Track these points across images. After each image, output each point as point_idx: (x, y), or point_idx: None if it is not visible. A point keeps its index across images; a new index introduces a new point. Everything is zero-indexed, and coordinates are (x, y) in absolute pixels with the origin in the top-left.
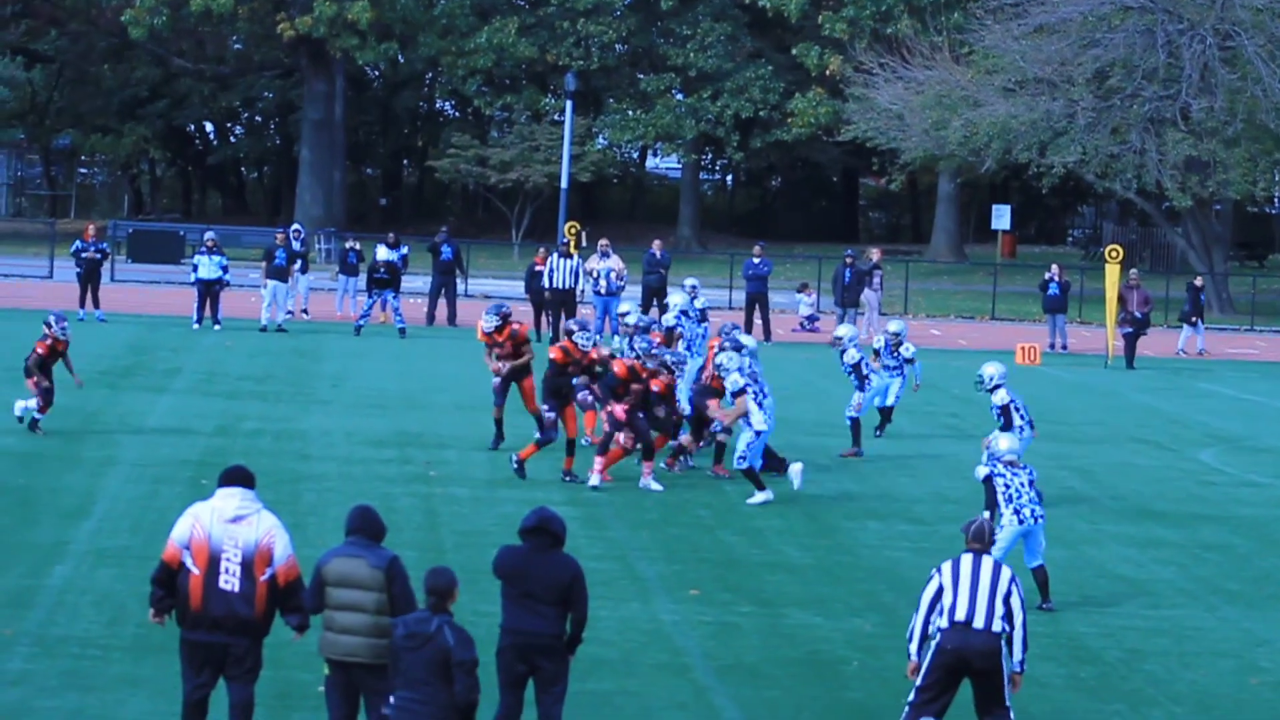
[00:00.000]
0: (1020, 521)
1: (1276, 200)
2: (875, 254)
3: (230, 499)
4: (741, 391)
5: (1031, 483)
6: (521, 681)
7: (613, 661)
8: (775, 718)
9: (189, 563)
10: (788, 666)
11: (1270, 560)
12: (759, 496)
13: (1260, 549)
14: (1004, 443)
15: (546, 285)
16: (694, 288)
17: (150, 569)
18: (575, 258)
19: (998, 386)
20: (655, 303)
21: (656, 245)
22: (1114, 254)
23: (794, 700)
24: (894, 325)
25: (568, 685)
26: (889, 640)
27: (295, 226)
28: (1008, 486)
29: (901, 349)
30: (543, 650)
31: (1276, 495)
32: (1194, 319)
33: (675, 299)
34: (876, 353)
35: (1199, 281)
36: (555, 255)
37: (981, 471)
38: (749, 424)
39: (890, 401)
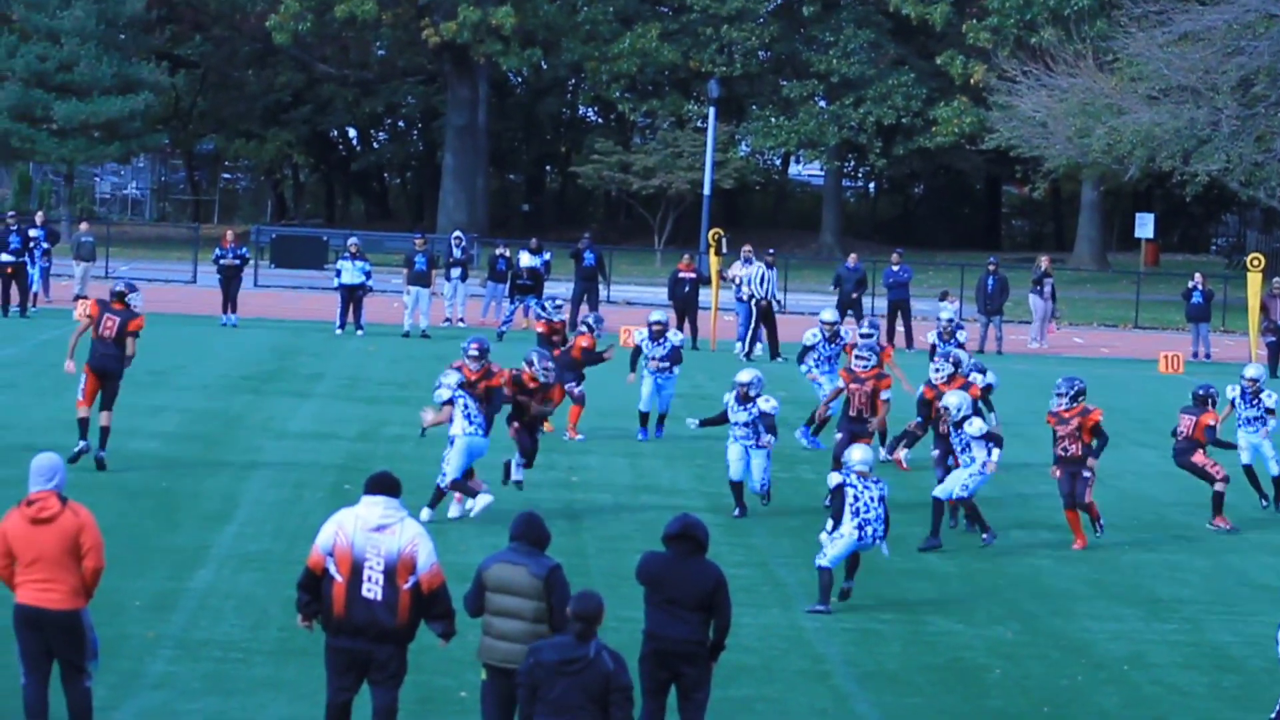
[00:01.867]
0: (860, 538)
1: None
2: (1044, 261)
3: (374, 507)
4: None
5: (881, 499)
6: (664, 688)
7: (754, 668)
8: None
9: (332, 570)
10: (929, 673)
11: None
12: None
13: None
14: (857, 454)
15: (761, 295)
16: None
17: (292, 574)
18: (775, 269)
19: (967, 417)
20: (850, 314)
21: (853, 258)
22: (1256, 262)
23: (935, 707)
24: (1251, 370)
25: (710, 692)
26: (1031, 648)
27: (457, 234)
28: (856, 499)
29: (1263, 396)
30: (685, 656)
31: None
32: None
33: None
34: (1231, 403)
35: None
36: (759, 264)
37: (834, 479)
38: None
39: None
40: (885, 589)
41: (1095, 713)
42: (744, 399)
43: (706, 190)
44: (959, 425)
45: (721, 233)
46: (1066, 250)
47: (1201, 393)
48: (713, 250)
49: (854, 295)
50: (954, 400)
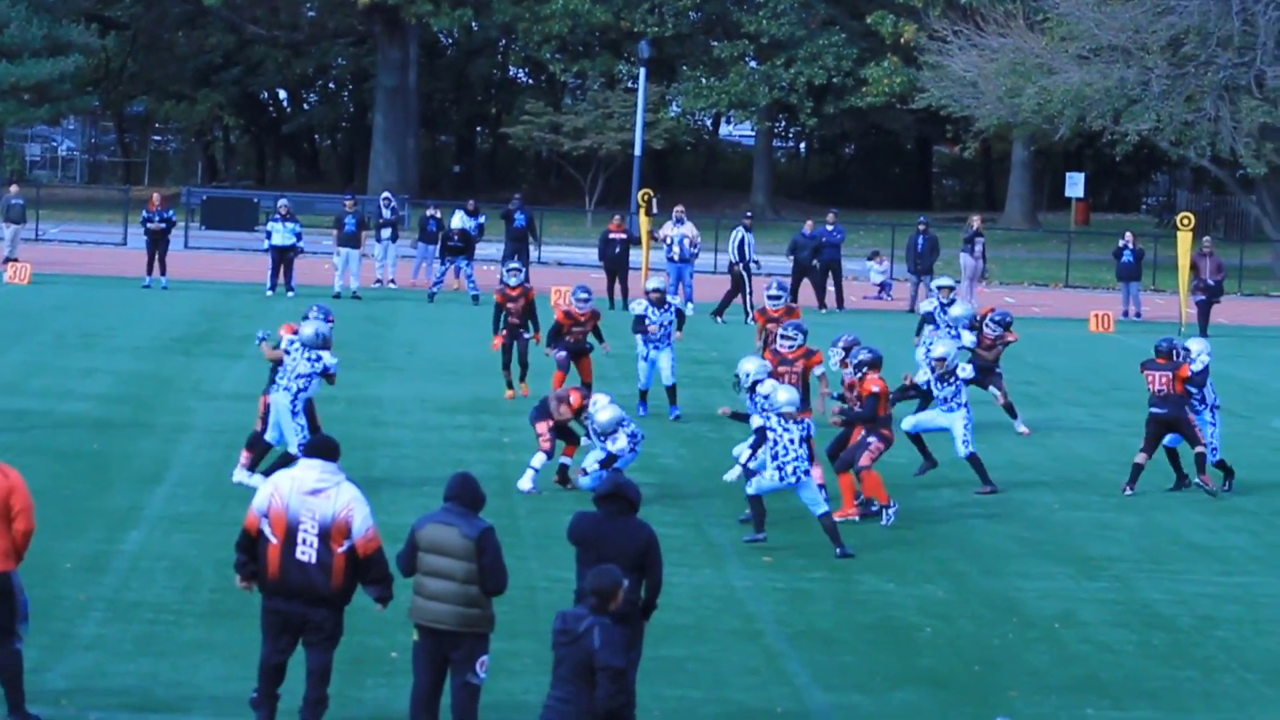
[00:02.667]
0: (781, 478)
1: None
2: (976, 221)
3: (311, 470)
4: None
5: (804, 439)
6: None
7: (686, 628)
8: (847, 683)
9: (267, 531)
10: (860, 632)
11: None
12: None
13: None
14: (783, 395)
15: (736, 258)
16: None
17: (224, 535)
18: (752, 231)
19: (757, 382)
20: (806, 282)
21: (809, 225)
22: (1187, 221)
23: (866, 666)
24: None
25: (642, 651)
26: (961, 607)
27: (386, 195)
28: (776, 442)
29: None
30: (618, 616)
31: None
32: None
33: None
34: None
35: None
36: (743, 229)
37: (756, 422)
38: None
39: None
40: (817, 548)
41: (1025, 671)
42: (659, 304)
43: (637, 151)
44: (949, 375)
45: (651, 193)
46: (997, 210)
47: (1165, 346)
48: (643, 211)
49: (812, 263)
50: (947, 348)
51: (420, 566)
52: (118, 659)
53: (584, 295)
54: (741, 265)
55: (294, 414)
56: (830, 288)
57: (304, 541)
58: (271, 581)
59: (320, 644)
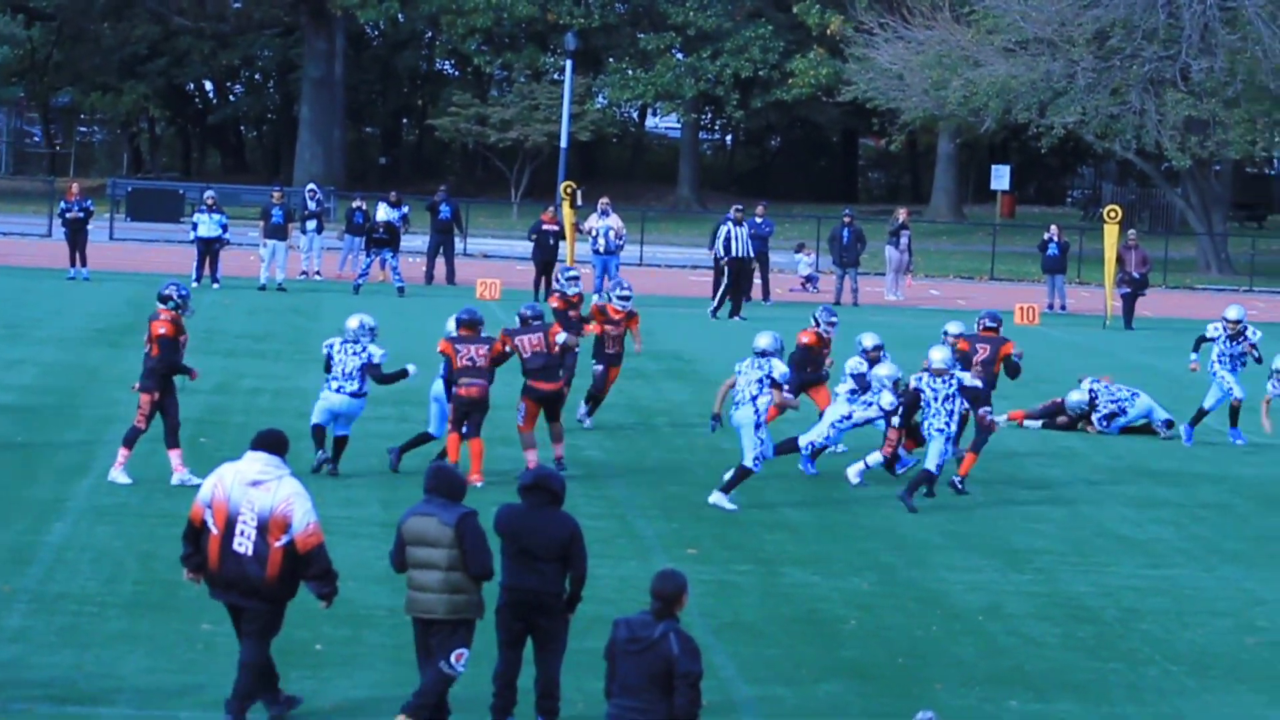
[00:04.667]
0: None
1: (1276, 161)
2: (902, 214)
3: (254, 463)
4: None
5: (950, 396)
6: (520, 639)
7: (610, 620)
8: (772, 676)
9: (210, 522)
10: (785, 625)
11: (1268, 520)
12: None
13: (1258, 508)
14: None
15: (724, 254)
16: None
17: (148, 527)
18: (746, 224)
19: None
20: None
21: (759, 211)
22: (1113, 214)
23: (791, 658)
24: (1233, 312)
25: (566, 643)
26: (887, 599)
27: (311, 186)
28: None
29: (1248, 333)
30: (541, 608)
31: (1275, 455)
32: None
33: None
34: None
35: None
36: (730, 222)
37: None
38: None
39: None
40: (742, 540)
41: (951, 663)
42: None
43: (563, 143)
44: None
45: (575, 185)
46: (923, 202)
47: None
48: (567, 203)
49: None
50: (942, 355)
51: (409, 560)
52: (42, 651)
53: (572, 275)
54: (727, 259)
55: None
56: (757, 280)
57: (242, 533)
58: (211, 572)
59: (251, 635)
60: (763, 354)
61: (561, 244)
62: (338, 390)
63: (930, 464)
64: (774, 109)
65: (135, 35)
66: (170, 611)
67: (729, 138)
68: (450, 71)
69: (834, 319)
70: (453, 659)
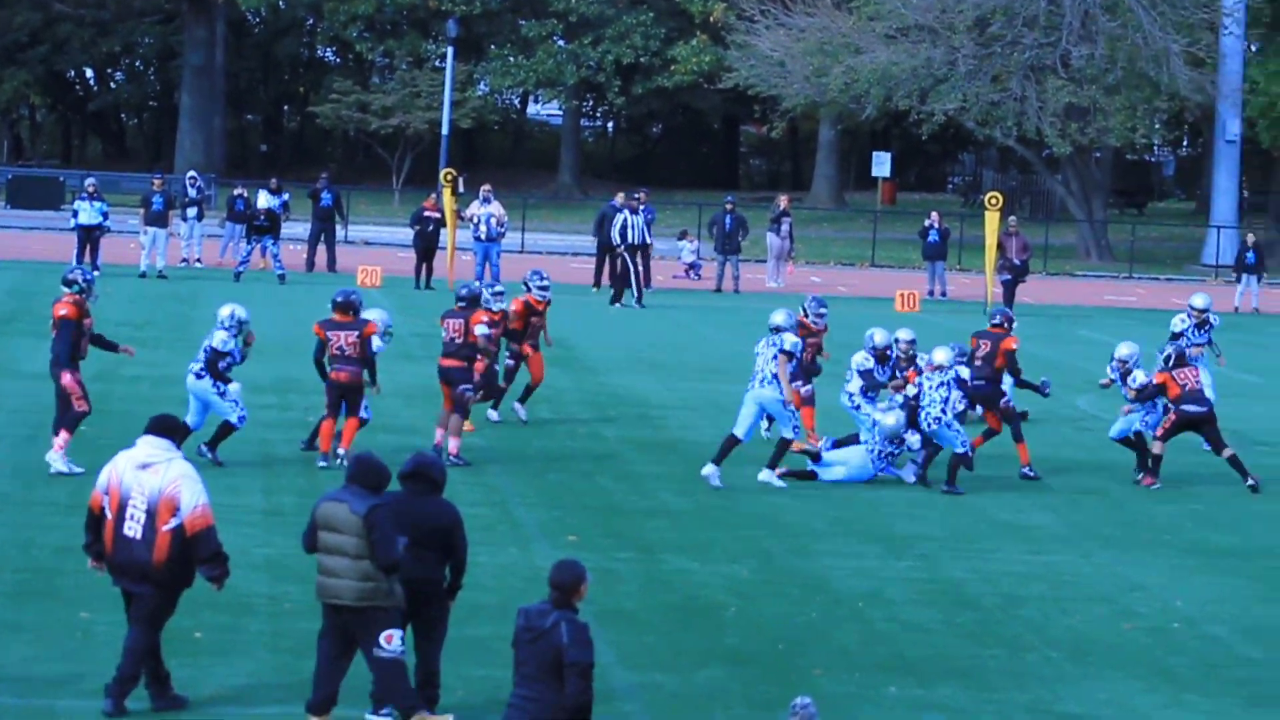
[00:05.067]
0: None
1: (1156, 148)
2: (783, 200)
3: (145, 446)
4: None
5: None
6: (402, 627)
7: (491, 607)
8: (653, 663)
9: (106, 508)
10: (665, 612)
11: (1144, 506)
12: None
13: (1135, 495)
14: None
15: (619, 240)
16: None
17: (29, 516)
18: (641, 212)
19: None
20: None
21: (640, 199)
22: (994, 201)
23: (671, 645)
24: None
25: (447, 630)
26: (768, 586)
27: (191, 174)
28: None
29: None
30: (422, 595)
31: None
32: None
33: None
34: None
35: (1252, 238)
36: (626, 210)
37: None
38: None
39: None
40: (623, 528)
41: (832, 649)
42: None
43: (444, 130)
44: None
45: (455, 173)
46: (804, 189)
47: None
48: (447, 190)
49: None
50: (944, 355)
51: (319, 544)
52: None
53: (543, 283)
54: (624, 247)
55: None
56: (639, 267)
57: (131, 517)
58: (108, 558)
59: (137, 621)
60: (775, 330)
61: (443, 231)
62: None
63: (957, 448)
64: (655, 96)
65: (16, 23)
66: (53, 600)
67: (610, 125)
68: (332, 59)
69: (823, 309)
70: (382, 641)
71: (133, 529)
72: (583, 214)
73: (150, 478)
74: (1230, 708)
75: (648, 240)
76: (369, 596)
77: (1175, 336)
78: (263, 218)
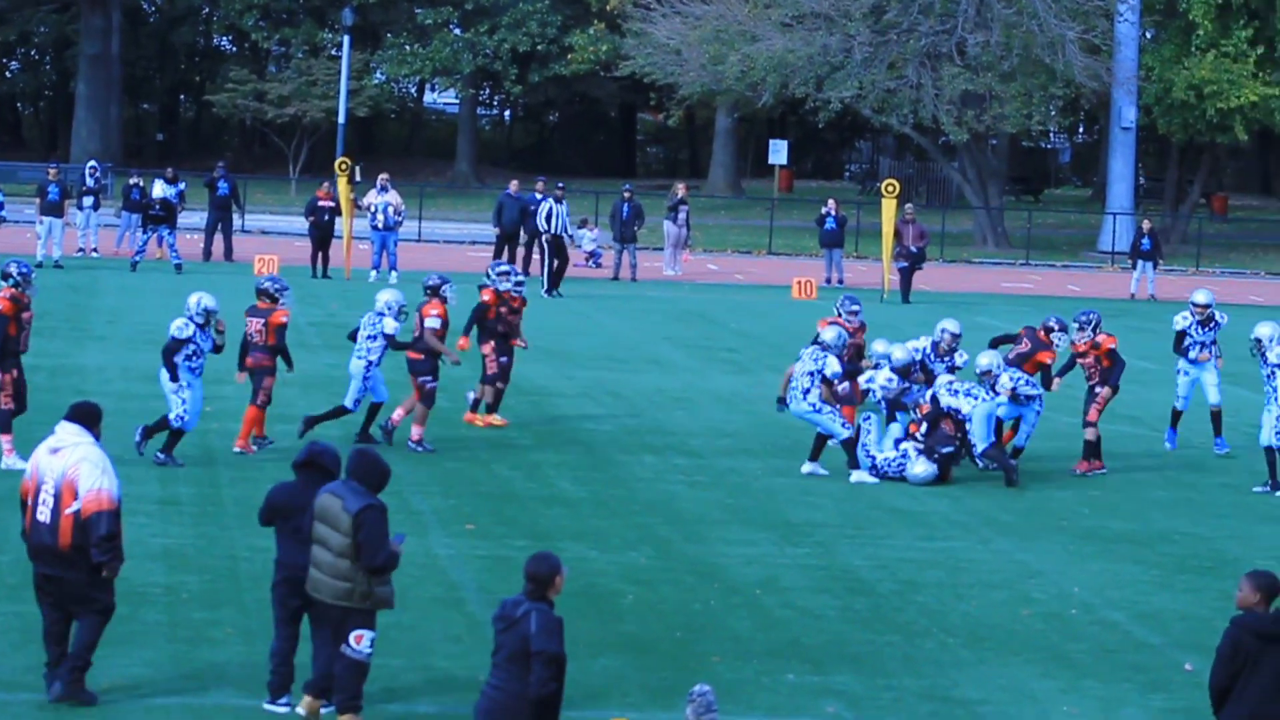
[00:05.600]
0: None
1: (1052, 135)
2: (680, 188)
3: (59, 431)
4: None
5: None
6: (296, 616)
7: None
8: None
9: (30, 494)
10: (562, 600)
11: (1041, 492)
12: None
13: (1030, 481)
14: (983, 359)
15: (544, 229)
16: None
17: None
18: (565, 202)
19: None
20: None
21: (539, 188)
22: (890, 188)
23: (569, 634)
24: (1201, 296)
25: None
26: (664, 573)
27: (91, 163)
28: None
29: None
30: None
31: (1042, 428)
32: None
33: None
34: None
35: (1147, 224)
36: (552, 200)
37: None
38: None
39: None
40: (519, 516)
41: (728, 636)
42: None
43: (341, 119)
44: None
45: (349, 162)
46: (701, 177)
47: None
48: (343, 179)
49: (514, 228)
50: (989, 359)
51: (313, 535)
52: None
53: (502, 270)
54: (548, 236)
55: (365, 377)
56: (536, 255)
57: (43, 501)
58: (28, 544)
59: (81, 614)
60: (823, 347)
61: (338, 220)
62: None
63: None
64: (552, 84)
65: None
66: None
67: (507, 113)
68: (228, 48)
69: (856, 307)
70: (352, 641)
71: (43, 513)
72: (480, 202)
73: (56, 462)
74: (1127, 692)
75: (567, 231)
76: (344, 596)
77: (1179, 336)
78: (158, 207)
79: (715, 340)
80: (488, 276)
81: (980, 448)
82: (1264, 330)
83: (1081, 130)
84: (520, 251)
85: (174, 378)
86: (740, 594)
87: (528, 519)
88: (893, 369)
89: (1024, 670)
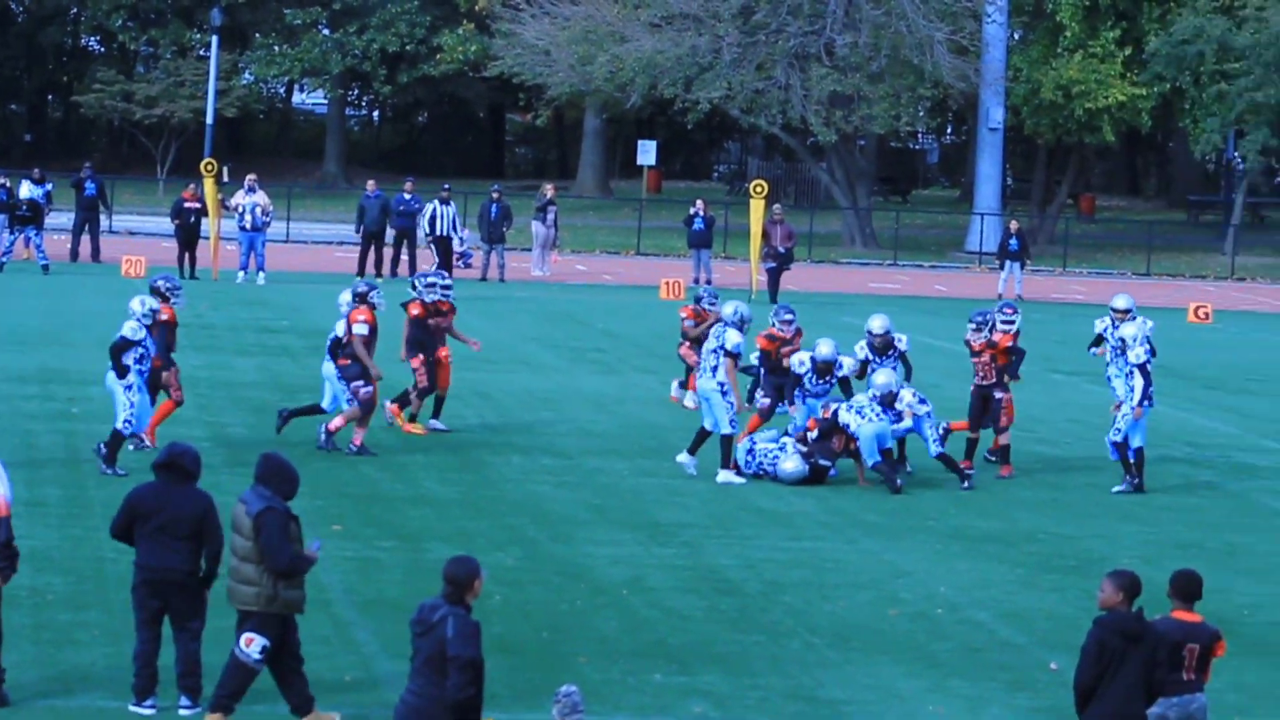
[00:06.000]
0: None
1: (920, 135)
2: (549, 189)
3: None
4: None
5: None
6: (157, 617)
7: None
8: None
9: None
10: None
11: (908, 492)
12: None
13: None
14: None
15: (429, 231)
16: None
17: None
18: (453, 205)
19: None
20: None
21: (407, 188)
22: (758, 189)
23: None
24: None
25: (205, 621)
26: (531, 574)
27: None
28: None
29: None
30: (176, 586)
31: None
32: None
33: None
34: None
35: (1015, 224)
36: (437, 202)
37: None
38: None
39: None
40: (386, 517)
41: (594, 637)
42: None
43: (209, 119)
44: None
45: (215, 163)
46: (570, 178)
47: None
48: (209, 180)
49: (376, 227)
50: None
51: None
52: None
53: (429, 282)
54: (432, 239)
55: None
56: (404, 256)
57: None
58: None
59: None
60: (725, 323)
61: (205, 221)
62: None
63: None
64: (421, 85)
65: None
66: None
67: (376, 114)
68: (96, 48)
69: (790, 316)
70: (242, 643)
71: None
72: (348, 203)
73: None
74: (993, 691)
75: (453, 232)
76: (251, 601)
77: (1097, 339)
78: (25, 208)
79: (583, 341)
80: (413, 289)
81: (869, 462)
82: (1129, 330)
83: (949, 131)
84: (388, 251)
85: (122, 375)
86: (607, 594)
87: (395, 520)
88: (813, 363)
89: (890, 670)
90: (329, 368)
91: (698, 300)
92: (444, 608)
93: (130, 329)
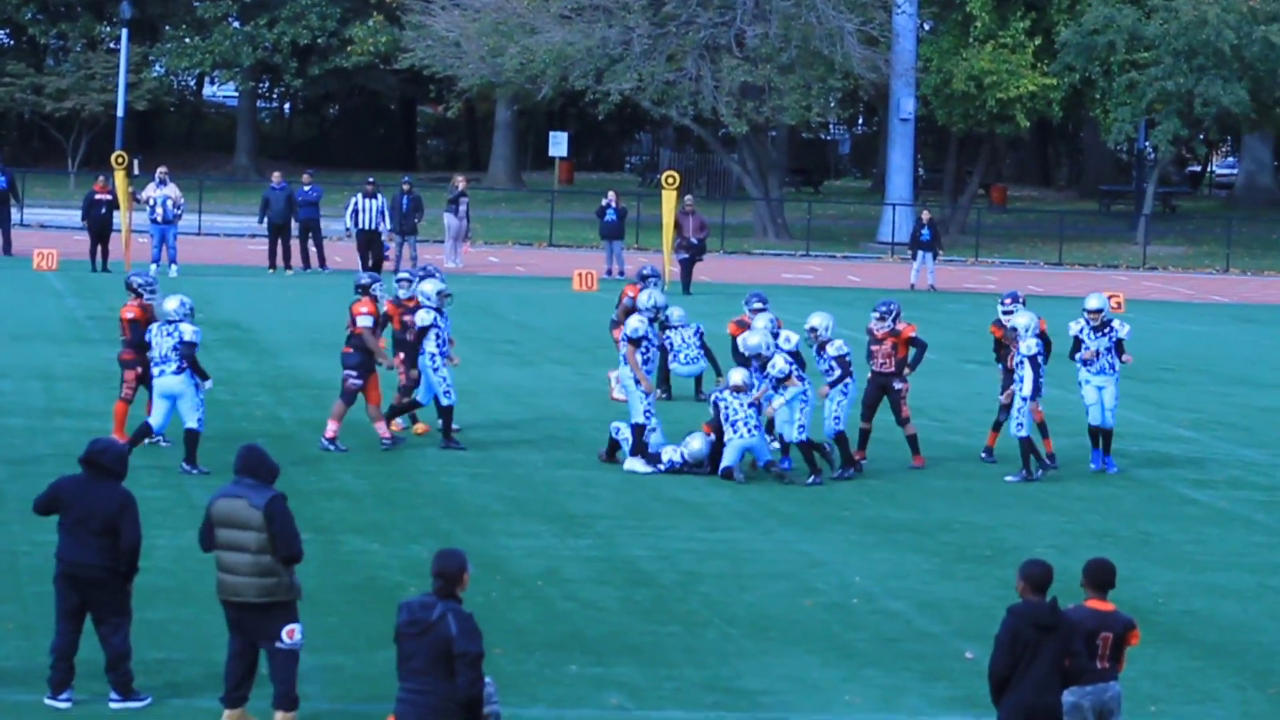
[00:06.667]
0: (740, 436)
1: (831, 126)
2: (460, 181)
3: None
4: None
5: (753, 404)
6: (78, 611)
7: (170, 590)
8: (332, 644)
9: None
10: (345, 593)
11: (824, 483)
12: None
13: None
14: (735, 376)
15: (353, 225)
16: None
17: None
18: (380, 198)
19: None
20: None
21: (306, 179)
22: (670, 180)
23: (351, 626)
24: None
25: (130, 614)
26: None
27: None
28: (732, 411)
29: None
30: (94, 580)
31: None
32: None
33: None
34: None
35: (927, 215)
36: (360, 195)
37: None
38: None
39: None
40: (300, 509)
41: (509, 629)
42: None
43: (120, 112)
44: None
45: (126, 155)
46: (482, 170)
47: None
48: (119, 173)
49: (282, 220)
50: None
51: (217, 542)
52: None
53: (402, 278)
54: (355, 232)
55: (434, 370)
56: (312, 248)
57: None
58: None
59: None
60: (638, 311)
61: (116, 214)
62: (160, 374)
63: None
64: (332, 76)
65: None
66: None
67: (287, 106)
68: (5, 41)
69: (760, 305)
70: (284, 636)
71: None
72: (259, 196)
73: None
74: (908, 681)
75: (383, 225)
76: (271, 592)
77: (1075, 343)
78: None
79: (496, 333)
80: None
81: (722, 467)
82: (1021, 320)
83: (861, 122)
84: (294, 245)
85: (205, 378)
86: (522, 586)
87: (310, 512)
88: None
89: (806, 660)
90: (423, 360)
91: (747, 303)
92: (439, 605)
93: (190, 332)
